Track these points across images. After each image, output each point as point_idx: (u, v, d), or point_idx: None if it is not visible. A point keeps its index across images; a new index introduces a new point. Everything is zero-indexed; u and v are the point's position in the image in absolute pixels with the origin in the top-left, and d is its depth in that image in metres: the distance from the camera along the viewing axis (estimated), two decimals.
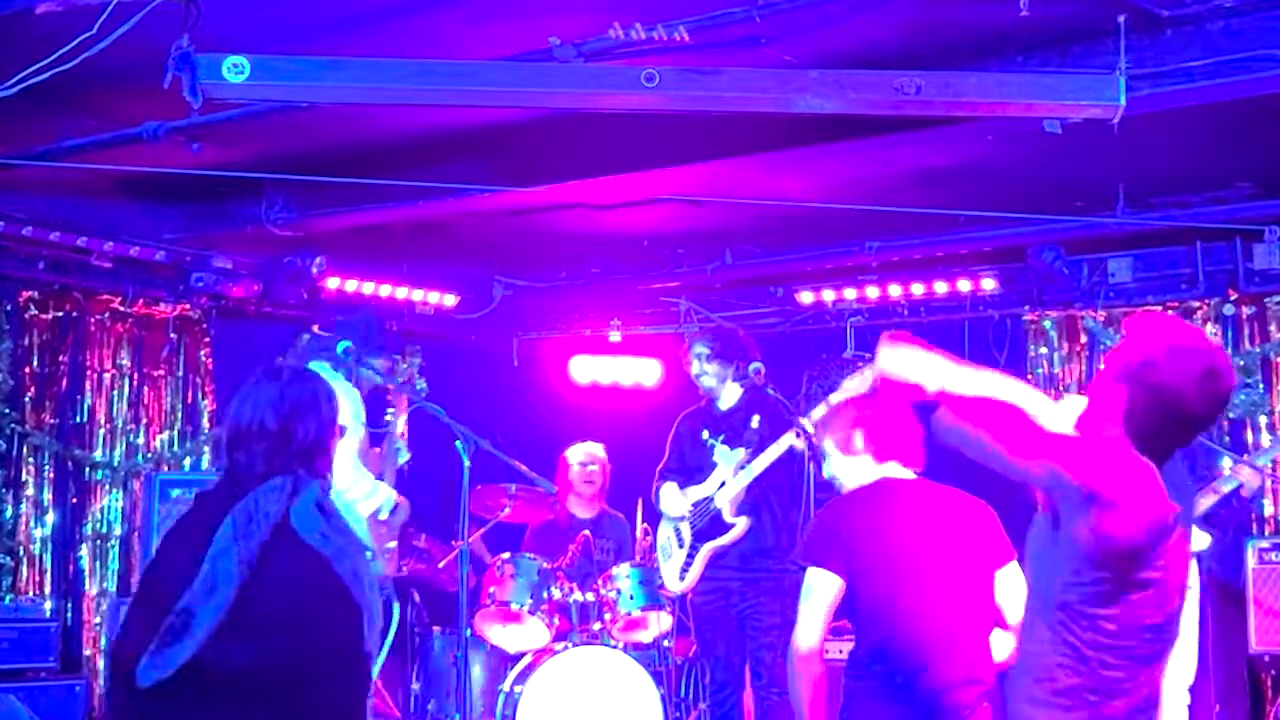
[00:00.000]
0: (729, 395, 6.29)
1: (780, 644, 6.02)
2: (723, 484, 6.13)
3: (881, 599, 3.88)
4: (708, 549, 6.12)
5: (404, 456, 6.08)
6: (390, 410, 6.11)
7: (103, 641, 7.20)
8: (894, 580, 3.88)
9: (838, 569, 3.89)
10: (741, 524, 6.07)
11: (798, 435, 5.86)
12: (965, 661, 3.84)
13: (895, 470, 4.10)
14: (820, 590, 3.90)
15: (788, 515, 6.09)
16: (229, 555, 2.75)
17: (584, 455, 7.43)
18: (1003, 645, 3.94)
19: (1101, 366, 7.30)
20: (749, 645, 6.12)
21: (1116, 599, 2.69)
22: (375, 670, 3.18)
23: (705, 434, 6.31)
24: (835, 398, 5.68)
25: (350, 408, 5.64)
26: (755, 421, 6.15)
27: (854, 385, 5.73)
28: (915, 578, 3.86)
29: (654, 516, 6.71)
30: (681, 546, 6.23)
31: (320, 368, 5.63)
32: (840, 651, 4.66)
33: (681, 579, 6.22)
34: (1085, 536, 2.67)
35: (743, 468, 6.07)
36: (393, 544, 5.77)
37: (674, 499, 6.30)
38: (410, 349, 8.46)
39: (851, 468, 4.12)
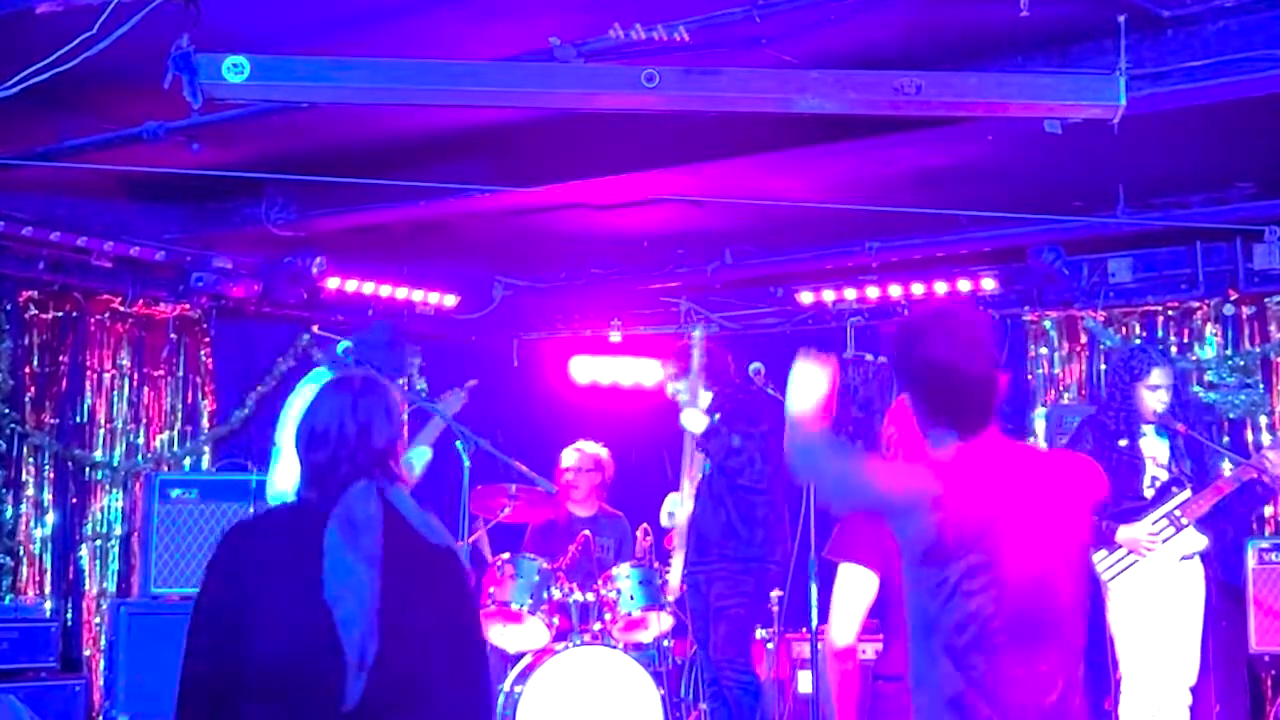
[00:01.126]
0: (704, 403, 6.36)
1: (731, 632, 6.05)
2: None
3: None
4: (678, 549, 6.25)
5: (421, 461, 6.05)
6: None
7: (102, 642, 7.19)
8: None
9: (872, 564, 3.84)
10: (679, 515, 6.24)
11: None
12: None
13: None
14: (855, 586, 3.85)
15: (742, 504, 6.12)
16: (351, 563, 2.77)
17: (570, 459, 7.46)
18: None
19: (1103, 367, 7.32)
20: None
21: (949, 595, 2.66)
22: None
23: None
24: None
25: None
26: (715, 419, 6.24)
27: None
28: None
29: (650, 516, 6.81)
30: (674, 553, 6.36)
31: (322, 374, 5.60)
32: (864, 652, 4.60)
33: (673, 581, 6.40)
34: (904, 543, 2.70)
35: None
36: None
37: (668, 508, 6.48)
38: (410, 349, 8.48)
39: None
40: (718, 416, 6.20)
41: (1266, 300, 7.23)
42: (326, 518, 2.83)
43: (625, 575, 6.52)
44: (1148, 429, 5.81)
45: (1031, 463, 2.86)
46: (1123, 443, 5.79)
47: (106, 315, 7.60)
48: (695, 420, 6.12)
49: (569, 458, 7.46)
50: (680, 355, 6.60)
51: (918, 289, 7.95)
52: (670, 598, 6.41)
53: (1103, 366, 7.42)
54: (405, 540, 2.87)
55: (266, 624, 2.77)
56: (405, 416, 4.61)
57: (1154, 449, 5.82)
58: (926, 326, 2.86)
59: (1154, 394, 5.73)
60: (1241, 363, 7.20)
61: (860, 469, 2.80)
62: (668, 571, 6.47)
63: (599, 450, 7.53)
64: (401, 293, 8.37)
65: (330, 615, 2.73)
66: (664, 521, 6.53)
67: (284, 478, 5.49)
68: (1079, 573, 2.80)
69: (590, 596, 6.53)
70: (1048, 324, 7.84)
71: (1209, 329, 7.36)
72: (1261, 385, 7.17)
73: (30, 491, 7.23)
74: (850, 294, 8.16)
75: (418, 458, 5.77)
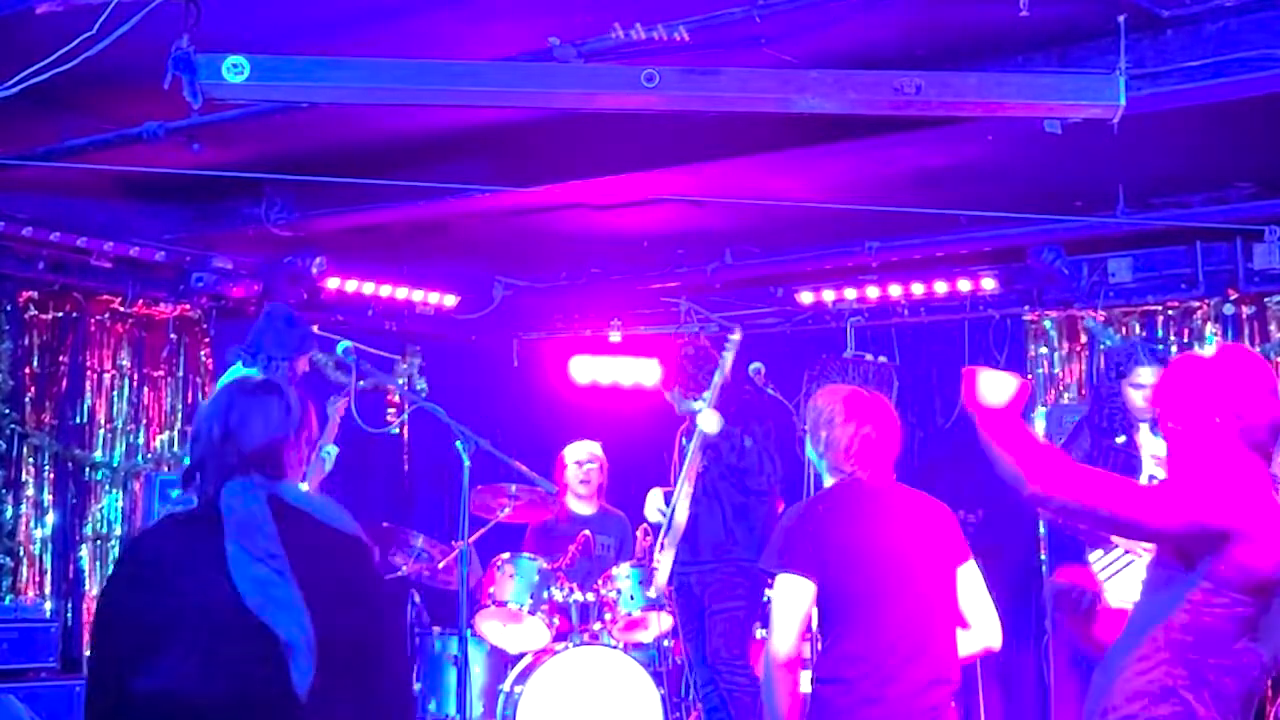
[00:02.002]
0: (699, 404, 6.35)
1: (731, 633, 6.05)
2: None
3: (851, 601, 3.85)
4: (669, 547, 6.18)
5: (330, 458, 5.99)
6: (390, 410, 6.07)
7: None
8: (864, 582, 3.85)
9: (809, 573, 3.85)
10: (679, 515, 6.17)
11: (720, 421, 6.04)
12: (934, 661, 3.83)
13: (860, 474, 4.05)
14: (793, 596, 3.86)
15: (739, 505, 6.12)
16: (257, 564, 2.78)
17: (580, 454, 7.45)
18: (966, 644, 3.95)
19: (1103, 366, 7.32)
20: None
21: (1248, 629, 2.90)
22: None
23: (684, 440, 6.41)
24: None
25: None
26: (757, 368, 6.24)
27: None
28: (884, 579, 3.84)
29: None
30: (663, 550, 6.29)
31: (238, 371, 5.59)
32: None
33: (659, 578, 6.30)
34: (1227, 570, 2.87)
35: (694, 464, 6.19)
36: None
37: (651, 504, 6.42)
38: (410, 349, 8.49)
39: (819, 464, 4.10)
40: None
41: (1266, 300, 7.23)
42: (215, 520, 2.83)
43: (625, 575, 6.53)
44: (1143, 425, 5.81)
45: None
46: (1119, 439, 5.79)
47: (106, 315, 7.60)
48: (712, 421, 6.05)
49: (579, 452, 7.45)
50: (691, 360, 6.55)
51: (918, 289, 7.95)
52: (652, 593, 6.36)
53: (1102, 366, 7.42)
54: (305, 531, 2.88)
55: (185, 634, 2.77)
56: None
57: (1152, 447, 5.82)
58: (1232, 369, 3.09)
59: (1139, 392, 5.72)
60: None
61: (1153, 495, 3.02)
62: (654, 567, 6.40)
63: (598, 447, 7.55)
64: (401, 293, 8.37)
65: (251, 616, 2.74)
66: (652, 517, 6.46)
67: None
68: None
69: (590, 596, 6.54)
70: (1048, 324, 7.84)
71: (1209, 329, 7.36)
72: None
73: (30, 491, 7.22)
74: (850, 294, 8.16)
75: (326, 455, 5.76)
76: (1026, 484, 2.99)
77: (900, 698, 3.74)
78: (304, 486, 3.03)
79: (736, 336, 6.16)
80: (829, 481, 4.05)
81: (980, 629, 4.00)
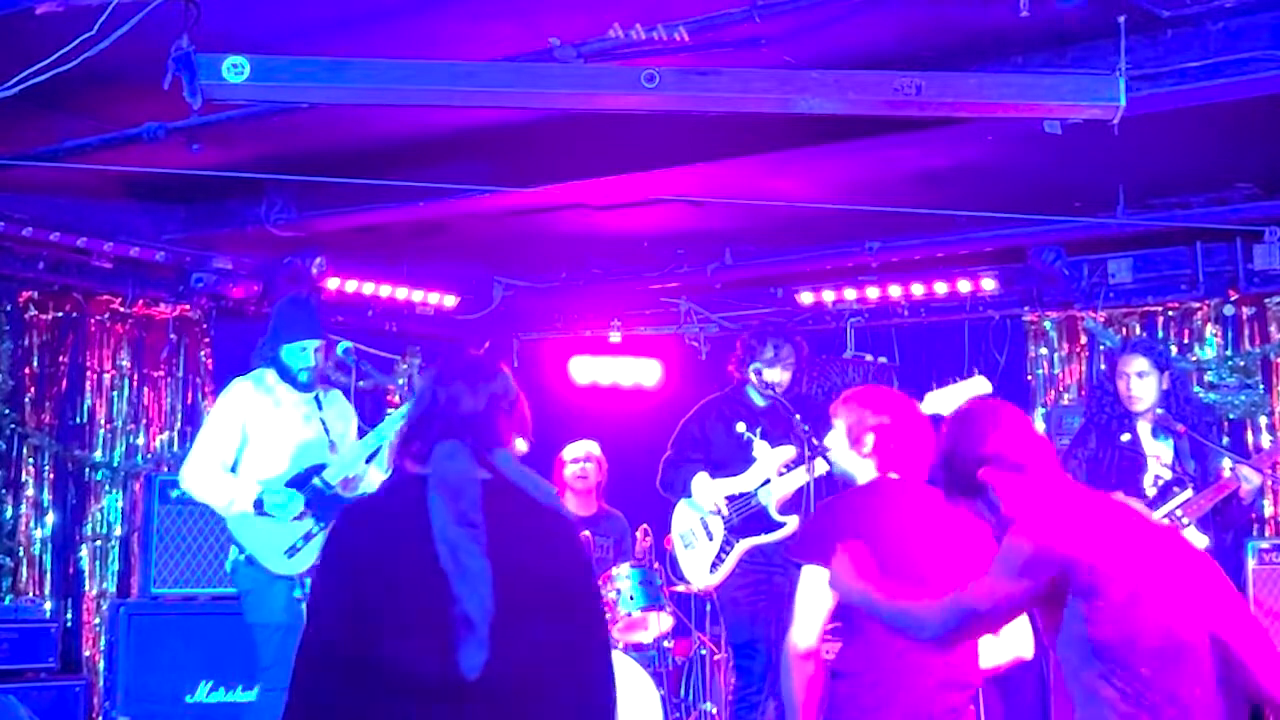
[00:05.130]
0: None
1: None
2: (766, 480, 5.94)
3: None
4: (748, 544, 5.93)
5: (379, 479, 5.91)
6: (390, 410, 6.03)
7: (102, 642, 7.19)
8: (889, 581, 3.84)
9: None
10: (793, 523, 5.86)
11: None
12: (954, 665, 3.82)
13: (888, 473, 4.04)
14: (820, 588, 3.86)
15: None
16: (455, 527, 2.79)
17: (576, 452, 7.44)
18: (996, 653, 3.94)
19: (1103, 367, 7.31)
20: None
21: (1099, 622, 2.89)
22: None
23: (741, 426, 6.06)
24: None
25: (238, 403, 5.52)
26: (798, 418, 5.93)
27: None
28: (910, 579, 3.82)
29: (650, 516, 6.71)
30: (711, 539, 6.02)
31: (260, 372, 5.57)
32: (828, 652, 4.60)
33: (712, 572, 6.03)
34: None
35: (792, 467, 5.88)
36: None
37: (706, 489, 6.03)
38: (410, 349, 8.49)
39: (855, 464, 4.08)
40: (799, 416, 5.91)
41: (1266, 301, 7.23)
42: (425, 483, 2.84)
43: (625, 575, 6.51)
44: (1142, 424, 5.79)
45: None
46: (1125, 437, 5.78)
47: (106, 316, 7.60)
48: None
49: (576, 451, 7.43)
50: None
51: (918, 289, 7.96)
52: (698, 587, 6.17)
53: (1102, 367, 7.42)
54: (512, 502, 2.88)
55: (392, 602, 2.76)
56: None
57: (1157, 448, 5.82)
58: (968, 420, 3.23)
59: (1121, 380, 5.71)
60: (1241, 363, 7.21)
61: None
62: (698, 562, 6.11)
63: (595, 446, 7.52)
64: (401, 293, 8.37)
65: (447, 582, 2.72)
66: (702, 502, 6.05)
67: (193, 469, 5.45)
68: None
69: None
70: (1048, 324, 7.85)
71: (1209, 329, 7.37)
72: (1261, 386, 7.18)
73: (30, 491, 7.22)
74: (850, 294, 8.17)
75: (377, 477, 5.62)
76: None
77: (913, 699, 3.73)
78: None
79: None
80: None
81: (1010, 638, 3.97)
